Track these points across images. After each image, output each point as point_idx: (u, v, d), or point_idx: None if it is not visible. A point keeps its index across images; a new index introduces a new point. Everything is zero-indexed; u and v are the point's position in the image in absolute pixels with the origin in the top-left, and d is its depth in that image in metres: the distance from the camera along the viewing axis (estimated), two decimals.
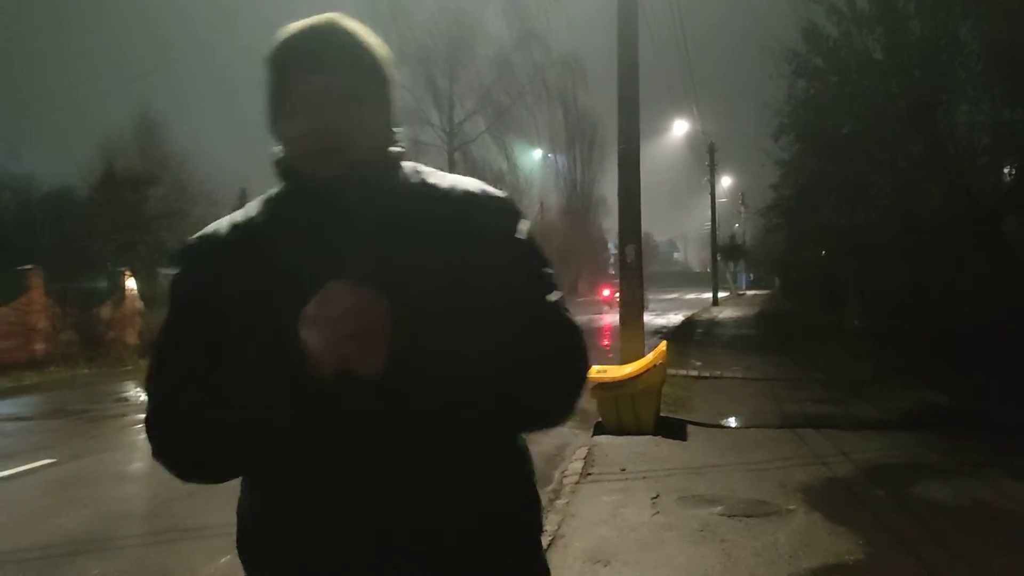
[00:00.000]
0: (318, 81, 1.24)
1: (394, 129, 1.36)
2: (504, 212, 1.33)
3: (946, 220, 12.94)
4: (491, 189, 1.36)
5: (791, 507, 5.36)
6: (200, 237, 1.36)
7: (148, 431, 1.35)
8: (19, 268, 17.44)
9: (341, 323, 1.07)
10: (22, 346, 16.88)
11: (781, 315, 28.35)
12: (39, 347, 17.12)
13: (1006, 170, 13.69)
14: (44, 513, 5.98)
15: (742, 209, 56.74)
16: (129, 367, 17.13)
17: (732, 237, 57.36)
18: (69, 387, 14.09)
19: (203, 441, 1.22)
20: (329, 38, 1.28)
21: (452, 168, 25.35)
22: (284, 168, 1.31)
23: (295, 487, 1.22)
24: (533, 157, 42.59)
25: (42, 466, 7.51)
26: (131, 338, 19.42)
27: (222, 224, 1.37)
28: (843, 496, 5.64)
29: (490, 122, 31.64)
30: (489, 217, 1.30)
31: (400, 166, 1.36)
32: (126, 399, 12.48)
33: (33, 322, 17.23)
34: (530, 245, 1.32)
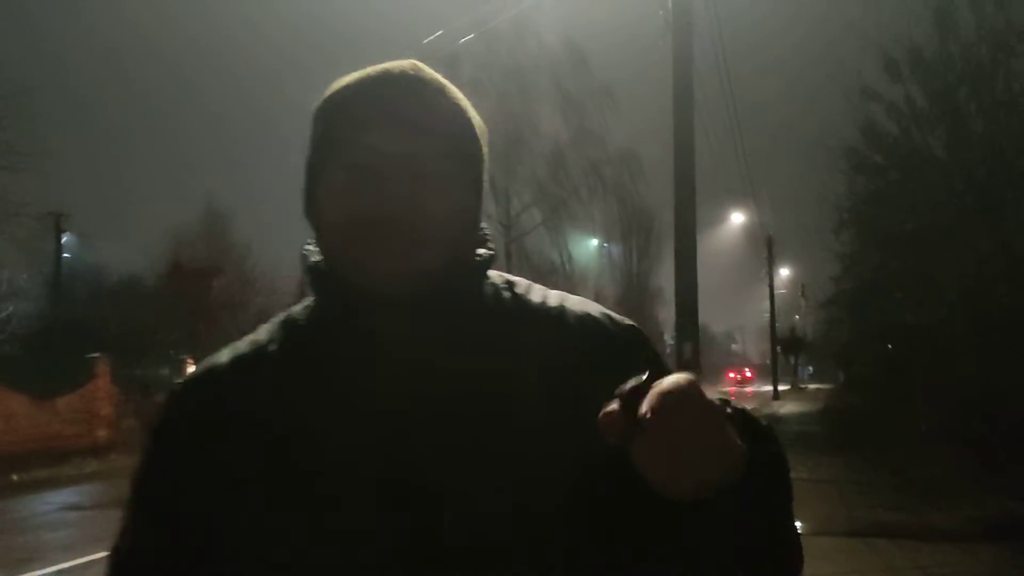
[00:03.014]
0: (379, 142, 0.89)
1: (482, 225, 1.00)
2: (634, 348, 0.96)
3: (1017, 318, 12.52)
4: (615, 315, 1.00)
5: None
6: (186, 384, 1.00)
7: None
8: (88, 356, 17.95)
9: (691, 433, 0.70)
10: (86, 432, 17.22)
11: (846, 411, 27.45)
12: (102, 433, 17.45)
13: None
14: None
15: (803, 301, 55.90)
16: None
17: (792, 329, 56.33)
18: (129, 476, 14.21)
19: None
20: (403, 86, 0.92)
21: (508, 261, 25.62)
22: (318, 275, 0.94)
23: None
24: (589, 249, 42.88)
25: (98, 559, 7.49)
26: None
27: (220, 361, 0.98)
28: None
29: (546, 215, 32.08)
30: (616, 356, 0.90)
31: (487, 277, 0.99)
32: None
33: (98, 409, 17.61)
34: None
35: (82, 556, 7.62)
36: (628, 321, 1.01)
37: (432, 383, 0.87)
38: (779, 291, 48.90)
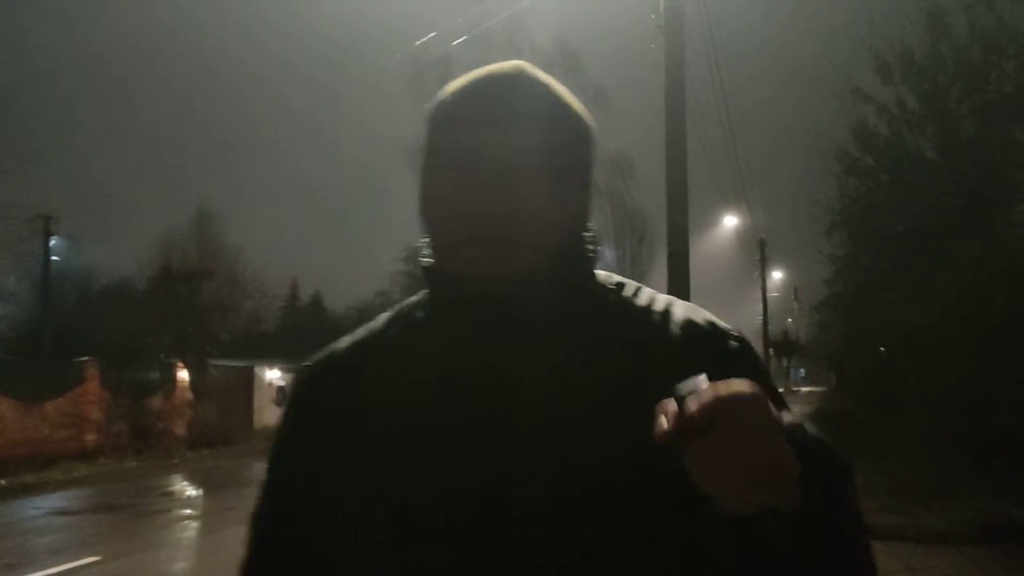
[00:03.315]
0: (480, 144, 0.90)
1: (589, 224, 1.00)
2: (735, 357, 0.93)
3: (1010, 320, 12.55)
4: (720, 323, 0.97)
5: None
6: (319, 358, 1.06)
7: None
8: (77, 360, 17.84)
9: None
10: (75, 436, 17.12)
11: (839, 414, 27.51)
12: (91, 438, 17.35)
13: None
14: None
15: (796, 304, 56.07)
16: (176, 460, 17.22)
17: (785, 332, 56.48)
18: (117, 480, 14.16)
19: None
20: (505, 87, 0.94)
21: None
22: (427, 272, 0.98)
23: None
24: None
25: (86, 564, 7.44)
26: (180, 429, 19.61)
27: (340, 346, 1.05)
28: None
29: None
30: (715, 364, 0.81)
31: (593, 276, 1.00)
32: (172, 493, 12.49)
33: (87, 413, 17.51)
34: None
35: (70, 561, 7.54)
36: (734, 330, 0.97)
37: (530, 382, 0.89)
38: (772, 294, 48.95)
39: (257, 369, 25.05)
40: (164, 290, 22.51)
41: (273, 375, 26.18)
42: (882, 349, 21.38)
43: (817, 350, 45.03)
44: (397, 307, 1.06)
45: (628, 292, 1.00)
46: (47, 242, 23.96)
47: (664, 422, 0.71)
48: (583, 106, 0.99)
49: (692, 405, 0.69)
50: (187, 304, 22.61)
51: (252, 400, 24.06)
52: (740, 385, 0.69)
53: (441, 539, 0.86)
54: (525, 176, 0.89)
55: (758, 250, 42.03)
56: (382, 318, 1.06)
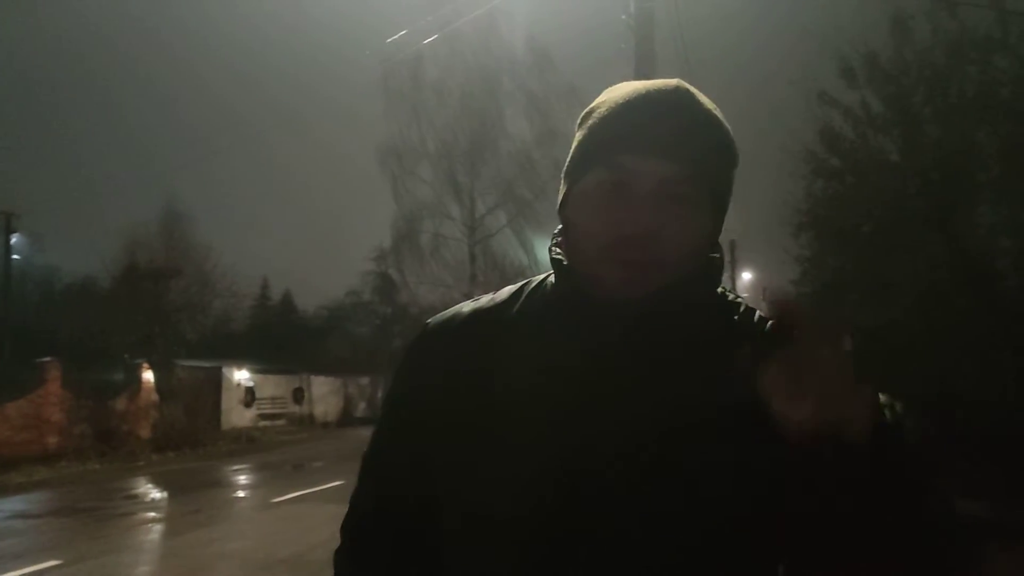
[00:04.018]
0: (631, 161, 0.92)
1: (718, 243, 1.04)
2: None
3: (970, 320, 12.79)
4: None
5: None
6: (442, 320, 1.12)
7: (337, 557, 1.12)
8: (38, 360, 17.52)
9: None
10: (36, 439, 16.81)
11: None
12: (52, 440, 17.04)
13: None
14: None
15: (764, 305, 56.70)
16: (141, 463, 16.96)
17: None
18: (79, 483, 13.91)
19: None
20: (664, 107, 0.94)
21: (473, 263, 25.53)
22: (559, 269, 1.02)
23: None
24: None
25: (48, 568, 7.32)
26: (145, 431, 19.31)
27: (462, 310, 1.11)
28: None
29: (512, 216, 32.08)
30: None
31: (714, 292, 1.04)
32: (136, 496, 12.30)
33: (48, 415, 17.20)
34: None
35: (31, 565, 7.40)
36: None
37: (629, 392, 0.93)
38: (742, 295, 49.44)
39: (225, 369, 24.77)
40: (130, 289, 22.14)
41: (242, 375, 25.90)
42: (848, 350, 21.67)
43: None
44: (521, 284, 1.11)
45: (740, 309, 1.05)
46: (8, 239, 23.53)
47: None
48: (730, 129, 1.00)
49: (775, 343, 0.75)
50: (154, 303, 22.27)
51: (220, 401, 23.79)
52: (819, 320, 0.75)
53: (523, 522, 0.92)
54: (676, 202, 0.92)
55: (728, 251, 42.48)
56: (505, 291, 1.11)
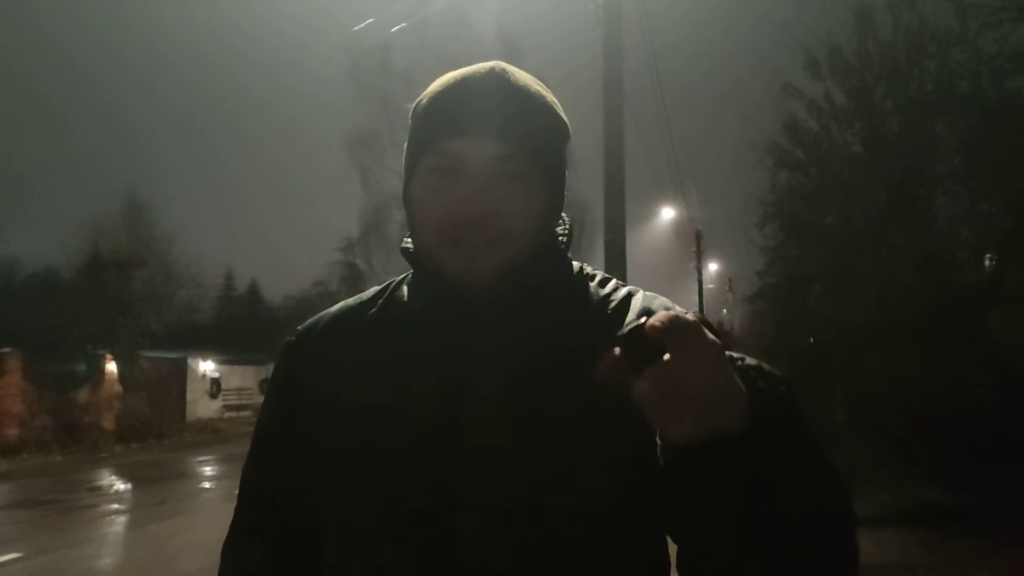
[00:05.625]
0: (458, 145, 0.95)
1: (563, 216, 1.07)
2: None
3: (929, 311, 13.03)
4: (679, 309, 0.91)
5: None
6: (304, 328, 1.13)
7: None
8: None
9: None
10: None
11: None
12: (12, 432, 16.75)
13: (987, 263, 13.88)
14: None
15: (730, 296, 57.20)
16: (104, 454, 16.75)
17: (720, 323, 57.49)
18: (41, 475, 13.70)
19: None
20: (484, 89, 0.98)
21: None
22: (413, 259, 1.04)
23: None
24: None
25: (7, 561, 7.20)
26: (108, 423, 19.05)
27: (330, 311, 1.13)
28: None
29: None
30: None
31: (566, 267, 1.07)
32: (99, 488, 12.15)
33: (8, 406, 16.90)
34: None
35: None
36: (690, 316, 0.91)
37: (495, 368, 0.93)
38: (708, 285, 49.84)
39: (191, 360, 24.50)
40: (92, 279, 21.74)
41: (207, 367, 25.63)
42: (811, 340, 21.99)
43: (750, 341, 46.02)
44: (385, 283, 1.12)
45: (595, 282, 1.06)
46: None
47: (608, 360, 0.71)
48: (557, 102, 1.03)
49: (636, 345, 0.70)
50: (117, 294, 21.90)
51: (185, 392, 23.55)
52: (678, 315, 0.70)
53: (392, 538, 0.92)
54: (506, 179, 0.95)
55: (695, 241, 42.71)
56: (372, 289, 1.12)
